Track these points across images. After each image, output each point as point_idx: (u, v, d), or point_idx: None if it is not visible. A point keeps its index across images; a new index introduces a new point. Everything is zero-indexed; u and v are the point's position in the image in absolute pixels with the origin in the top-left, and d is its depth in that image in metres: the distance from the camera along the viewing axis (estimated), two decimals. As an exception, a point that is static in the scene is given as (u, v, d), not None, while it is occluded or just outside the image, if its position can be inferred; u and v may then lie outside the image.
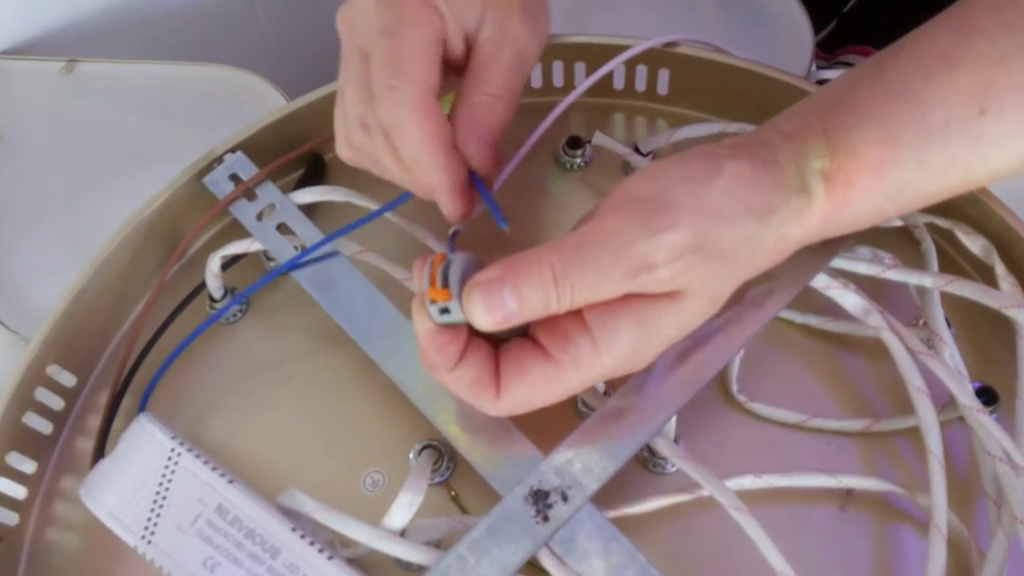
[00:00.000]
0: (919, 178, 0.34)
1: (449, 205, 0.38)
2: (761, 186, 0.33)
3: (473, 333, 0.34)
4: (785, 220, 0.33)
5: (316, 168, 0.50)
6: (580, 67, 0.51)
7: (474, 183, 0.38)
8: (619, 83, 0.51)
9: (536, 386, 0.33)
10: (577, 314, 0.33)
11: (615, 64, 0.45)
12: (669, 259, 0.31)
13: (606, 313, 0.32)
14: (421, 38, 0.37)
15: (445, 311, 0.33)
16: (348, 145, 0.40)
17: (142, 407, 0.43)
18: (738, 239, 0.32)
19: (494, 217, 0.37)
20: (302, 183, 0.50)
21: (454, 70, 0.40)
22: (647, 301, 0.32)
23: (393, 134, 0.37)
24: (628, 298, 0.32)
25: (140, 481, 0.39)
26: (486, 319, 0.32)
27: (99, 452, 0.41)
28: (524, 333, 0.35)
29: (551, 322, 0.33)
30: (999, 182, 0.36)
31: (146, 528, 0.38)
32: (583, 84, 0.45)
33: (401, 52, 0.36)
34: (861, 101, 0.34)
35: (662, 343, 0.33)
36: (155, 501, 0.38)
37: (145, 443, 0.40)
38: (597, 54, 0.49)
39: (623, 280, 0.31)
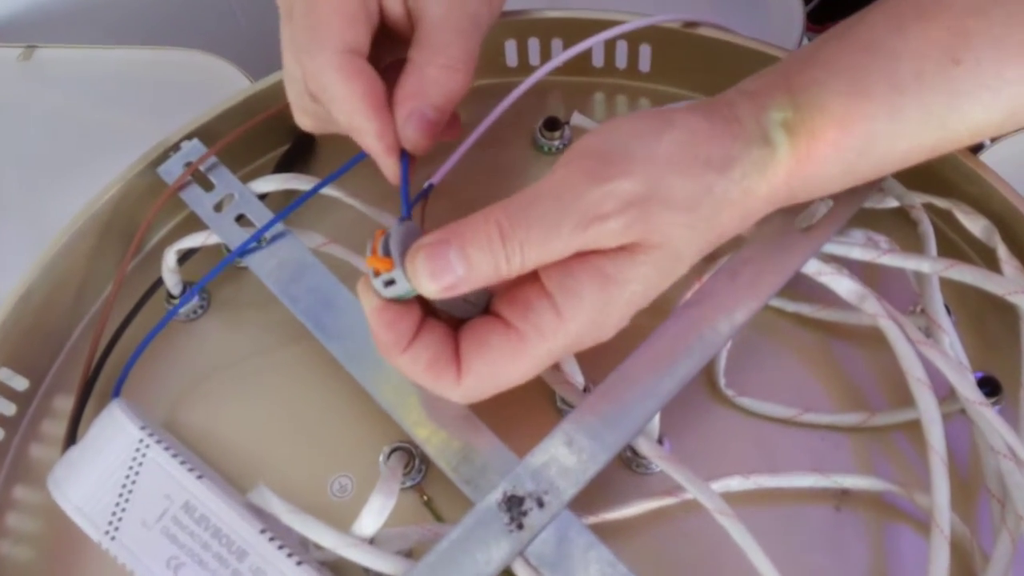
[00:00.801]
0: (891, 132, 0.32)
1: (386, 168, 0.36)
2: (718, 138, 0.32)
3: (428, 313, 0.32)
4: (747, 173, 0.32)
5: (301, 148, 0.48)
6: (558, 44, 0.48)
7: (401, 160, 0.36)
8: (598, 60, 0.49)
9: (500, 361, 0.31)
10: (536, 282, 0.31)
11: (594, 42, 0.43)
12: (619, 208, 0.30)
13: (564, 275, 0.30)
14: None
15: (390, 283, 0.30)
16: (303, 112, 0.38)
17: (115, 393, 0.41)
18: (695, 190, 0.31)
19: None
20: (283, 164, 0.47)
21: (399, 36, 0.37)
22: (605, 257, 0.31)
23: (321, 98, 0.35)
24: (585, 257, 0.31)
25: (107, 473, 0.37)
26: (432, 285, 0.30)
27: (70, 440, 0.40)
28: (485, 312, 0.33)
29: (511, 294, 0.32)
30: (987, 137, 0.34)
31: (110, 523, 0.36)
32: (541, 69, 0.41)
33: (318, 11, 0.35)
34: (828, 57, 0.33)
35: (628, 303, 0.31)
36: (120, 495, 0.37)
37: (114, 432, 0.38)
38: (576, 30, 0.46)
39: (573, 234, 0.30)
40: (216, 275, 0.42)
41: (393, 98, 0.35)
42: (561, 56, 0.41)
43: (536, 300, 0.31)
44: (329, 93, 0.35)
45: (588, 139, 0.32)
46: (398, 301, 0.31)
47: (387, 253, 0.30)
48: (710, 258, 0.39)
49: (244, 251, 0.41)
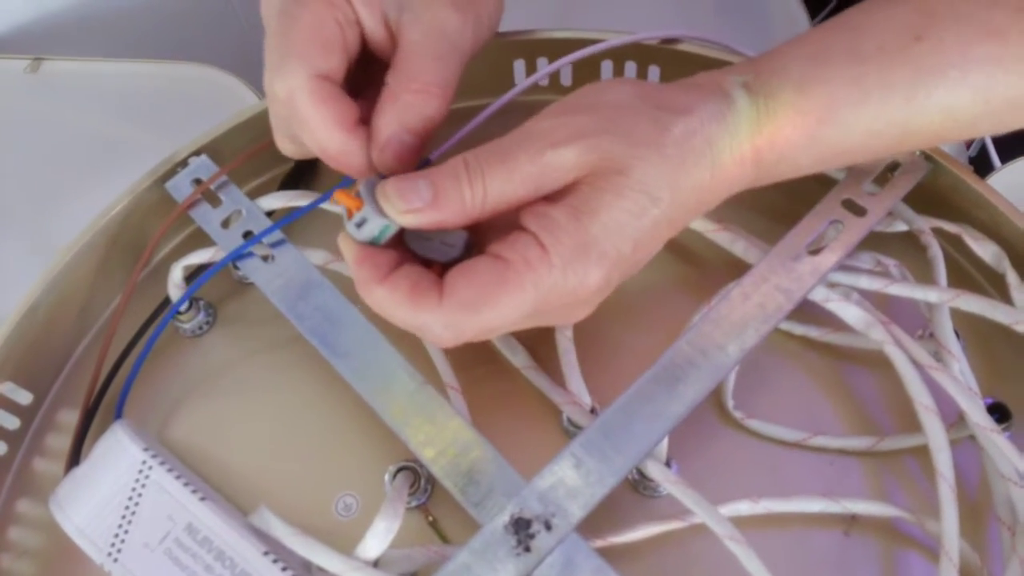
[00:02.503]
0: (852, 100, 0.33)
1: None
2: (672, 91, 0.33)
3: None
4: (706, 121, 0.33)
5: (306, 165, 0.48)
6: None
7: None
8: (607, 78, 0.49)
9: (486, 285, 0.31)
10: (519, 226, 0.32)
11: (582, 55, 0.42)
12: (572, 137, 0.31)
13: (540, 216, 0.32)
14: (314, 19, 0.34)
15: (363, 224, 0.32)
16: (284, 136, 0.38)
17: (118, 414, 0.40)
18: (650, 128, 0.32)
19: None
20: (289, 181, 0.47)
21: (384, 58, 0.37)
22: (571, 190, 0.32)
23: (295, 124, 0.35)
24: (555, 197, 0.32)
25: (110, 494, 0.37)
26: (401, 204, 0.31)
27: (73, 460, 0.39)
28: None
29: (497, 234, 0.33)
30: (965, 131, 0.35)
31: (112, 545, 0.36)
32: (530, 79, 0.41)
33: (291, 34, 0.34)
34: (797, 39, 0.35)
35: (606, 239, 0.31)
36: (123, 516, 0.36)
37: (117, 454, 0.38)
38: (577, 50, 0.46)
39: (530, 160, 0.31)
40: (212, 283, 0.42)
41: (372, 124, 0.35)
42: (556, 64, 0.41)
43: (521, 235, 0.32)
44: (300, 117, 0.34)
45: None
46: (374, 244, 0.33)
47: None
48: (719, 283, 0.39)
49: (248, 264, 0.41)
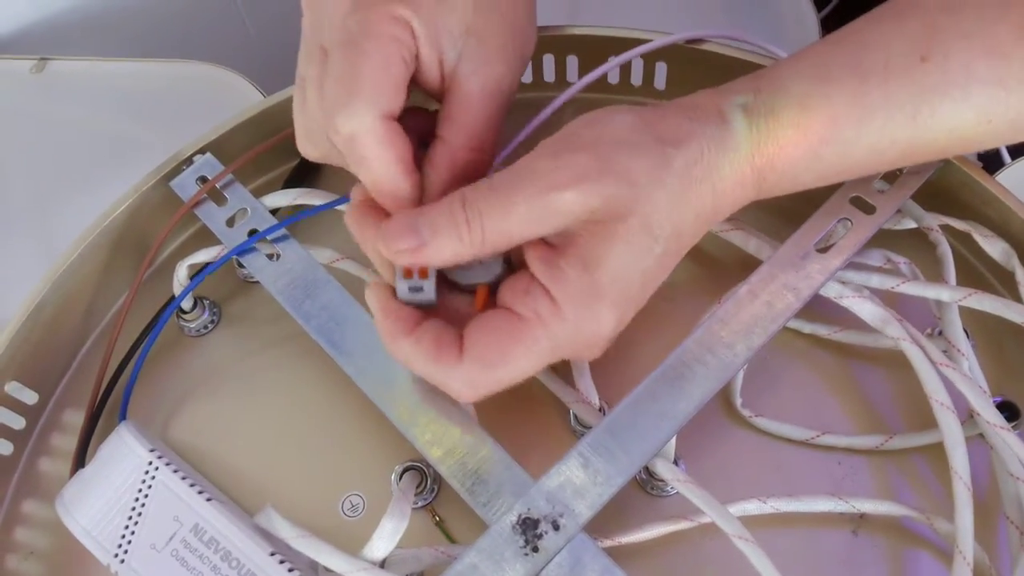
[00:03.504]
0: (855, 119, 0.33)
1: None
2: (670, 119, 0.33)
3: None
4: (706, 149, 0.32)
5: (310, 163, 0.47)
6: (572, 61, 0.48)
7: None
8: (614, 77, 0.48)
9: (502, 341, 0.31)
10: (531, 276, 0.32)
11: (623, 60, 0.43)
12: (574, 179, 0.31)
13: (549, 266, 0.32)
14: (383, 56, 0.33)
15: (417, 290, 0.33)
16: (312, 144, 0.37)
17: (122, 415, 0.40)
18: (651, 164, 0.32)
19: None
20: (293, 179, 0.47)
21: (426, 92, 0.37)
22: (579, 238, 0.32)
23: (349, 157, 0.34)
24: (561, 245, 0.32)
25: (116, 496, 0.37)
26: (397, 244, 0.31)
27: (79, 462, 0.40)
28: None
29: (512, 285, 0.33)
30: (967, 147, 0.35)
31: (119, 546, 0.36)
32: (576, 85, 0.42)
33: (359, 69, 0.33)
34: (801, 52, 0.34)
35: (614, 286, 0.32)
36: (130, 517, 0.37)
37: (123, 455, 0.38)
38: (590, 47, 0.46)
39: (530, 202, 0.31)
40: (217, 282, 0.42)
41: (426, 178, 0.35)
42: (594, 72, 0.42)
43: (532, 287, 0.32)
44: (361, 155, 0.33)
45: (549, 137, 0.33)
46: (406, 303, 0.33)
47: None
48: (731, 282, 0.39)
49: (253, 262, 0.41)
